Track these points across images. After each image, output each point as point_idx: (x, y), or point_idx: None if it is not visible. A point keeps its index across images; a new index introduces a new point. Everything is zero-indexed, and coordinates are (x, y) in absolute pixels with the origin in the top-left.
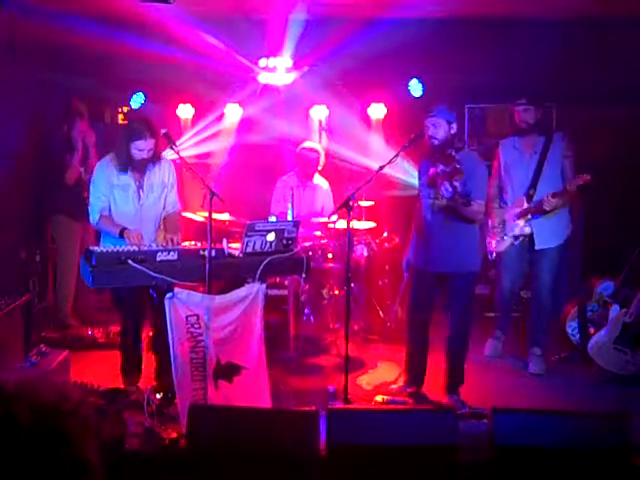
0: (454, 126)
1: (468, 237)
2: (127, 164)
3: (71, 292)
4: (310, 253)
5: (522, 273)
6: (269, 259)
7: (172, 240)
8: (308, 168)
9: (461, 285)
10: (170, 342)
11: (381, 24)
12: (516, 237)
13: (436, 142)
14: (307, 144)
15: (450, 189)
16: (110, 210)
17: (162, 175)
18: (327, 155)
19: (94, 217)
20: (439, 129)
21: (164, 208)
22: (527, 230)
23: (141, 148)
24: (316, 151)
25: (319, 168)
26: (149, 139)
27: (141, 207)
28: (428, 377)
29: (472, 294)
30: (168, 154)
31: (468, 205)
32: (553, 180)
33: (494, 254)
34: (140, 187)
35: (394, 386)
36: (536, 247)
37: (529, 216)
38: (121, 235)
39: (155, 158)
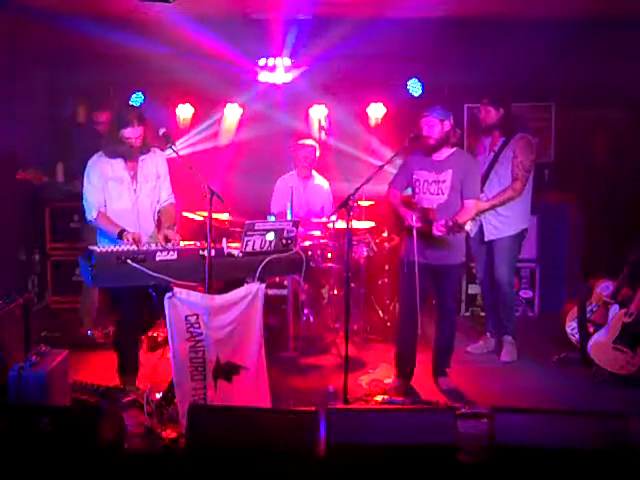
0: (447, 123)
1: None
2: (118, 152)
3: (95, 302)
4: (310, 253)
5: (485, 263)
6: (269, 259)
7: (169, 236)
8: (305, 163)
9: (451, 275)
10: (170, 342)
11: (381, 24)
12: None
13: (432, 141)
14: (302, 140)
15: (442, 230)
16: (106, 206)
17: (155, 165)
18: (324, 150)
19: (91, 214)
20: (433, 128)
21: (158, 201)
22: (467, 228)
23: (129, 136)
24: (312, 146)
25: (315, 162)
26: (137, 127)
27: (137, 199)
28: (423, 378)
29: (460, 282)
30: (168, 153)
31: (462, 229)
32: (502, 180)
33: None
34: (134, 178)
35: (388, 380)
36: (485, 239)
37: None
38: (120, 237)
39: (145, 147)
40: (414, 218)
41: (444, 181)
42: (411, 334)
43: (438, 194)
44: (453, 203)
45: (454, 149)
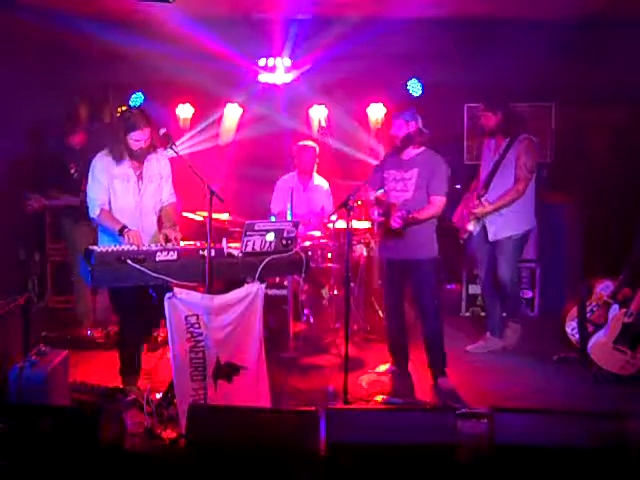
0: (412, 124)
1: (426, 228)
2: (123, 156)
3: (90, 302)
4: (310, 253)
5: (487, 263)
6: (268, 259)
7: (169, 235)
8: (306, 164)
9: (421, 271)
10: (170, 342)
11: (381, 24)
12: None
13: (397, 141)
14: (303, 142)
15: (398, 221)
16: (110, 204)
17: (159, 166)
18: (324, 150)
19: (94, 211)
20: (399, 129)
21: (160, 200)
22: (470, 228)
23: (138, 139)
24: (312, 148)
25: (316, 163)
26: (145, 129)
27: (141, 198)
28: (423, 378)
29: (436, 279)
30: (168, 153)
31: (415, 221)
32: (506, 181)
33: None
34: (140, 178)
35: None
36: (490, 239)
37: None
38: (120, 233)
39: (152, 147)
40: (376, 213)
41: (410, 179)
42: (396, 326)
43: (403, 191)
44: (418, 200)
45: (422, 149)
